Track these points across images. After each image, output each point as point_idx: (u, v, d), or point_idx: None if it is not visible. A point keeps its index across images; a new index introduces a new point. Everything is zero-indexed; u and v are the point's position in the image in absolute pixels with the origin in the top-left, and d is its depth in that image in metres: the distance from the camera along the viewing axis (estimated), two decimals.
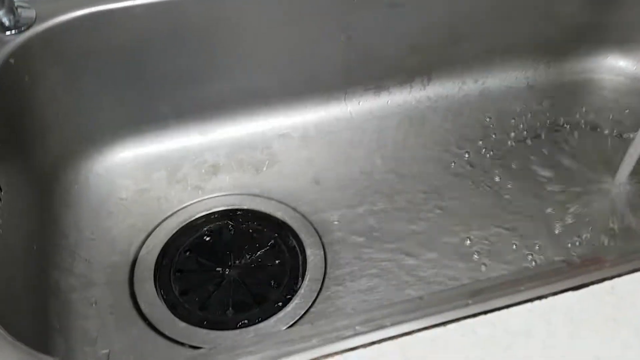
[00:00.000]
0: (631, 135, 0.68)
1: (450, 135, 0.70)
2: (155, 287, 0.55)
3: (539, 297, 0.31)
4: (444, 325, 0.29)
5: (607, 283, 0.31)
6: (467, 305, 0.32)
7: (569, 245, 0.57)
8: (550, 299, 0.31)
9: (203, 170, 0.65)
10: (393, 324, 0.31)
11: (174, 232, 0.60)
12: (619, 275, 0.32)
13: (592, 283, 0.31)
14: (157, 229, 0.60)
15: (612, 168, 0.64)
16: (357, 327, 0.31)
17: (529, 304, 0.31)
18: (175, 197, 0.63)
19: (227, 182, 0.64)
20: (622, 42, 0.75)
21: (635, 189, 0.62)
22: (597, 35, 0.75)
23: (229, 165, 0.66)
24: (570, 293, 0.31)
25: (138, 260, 0.57)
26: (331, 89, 0.71)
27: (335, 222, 0.60)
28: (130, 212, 0.61)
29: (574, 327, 0.30)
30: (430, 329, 0.29)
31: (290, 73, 0.68)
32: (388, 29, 0.68)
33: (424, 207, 0.61)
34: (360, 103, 0.72)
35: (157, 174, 0.64)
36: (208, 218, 0.61)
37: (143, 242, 0.58)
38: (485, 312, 0.30)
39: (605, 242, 0.56)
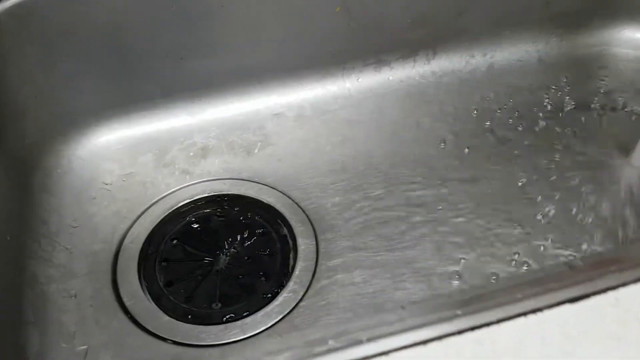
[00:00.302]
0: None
1: (455, 114, 0.65)
2: (139, 278, 0.53)
3: (534, 311, 0.27)
4: (424, 345, 0.26)
5: (610, 294, 0.28)
6: (454, 317, 0.28)
7: (579, 237, 0.53)
8: (547, 312, 0.27)
9: (192, 153, 0.62)
10: (370, 340, 0.28)
11: (160, 219, 0.57)
12: (624, 285, 0.28)
13: (595, 294, 0.28)
14: (143, 216, 0.57)
15: (628, 149, 0.59)
16: (330, 342, 0.28)
17: (522, 318, 0.27)
18: (162, 182, 0.60)
19: (217, 166, 0.61)
20: (638, 13, 0.69)
21: None
22: (612, 6, 0.69)
23: (219, 148, 0.63)
24: (568, 305, 0.27)
25: (122, 249, 0.55)
26: (328, 65, 0.66)
27: (329, 209, 0.56)
28: (114, 198, 0.58)
29: (571, 344, 0.26)
30: (410, 348, 0.26)
31: (284, 48, 0.64)
32: (390, 1, 0.63)
33: (424, 194, 0.57)
34: (360, 79, 0.68)
35: (143, 157, 0.61)
36: (196, 204, 0.58)
37: (127, 230, 0.56)
38: (473, 329, 0.27)
39: (619, 234, 0.52)
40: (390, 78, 0.68)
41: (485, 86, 0.68)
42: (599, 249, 0.52)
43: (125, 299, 0.51)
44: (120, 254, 0.54)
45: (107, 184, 0.59)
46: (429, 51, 0.68)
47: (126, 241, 0.55)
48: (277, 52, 0.63)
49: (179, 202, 0.58)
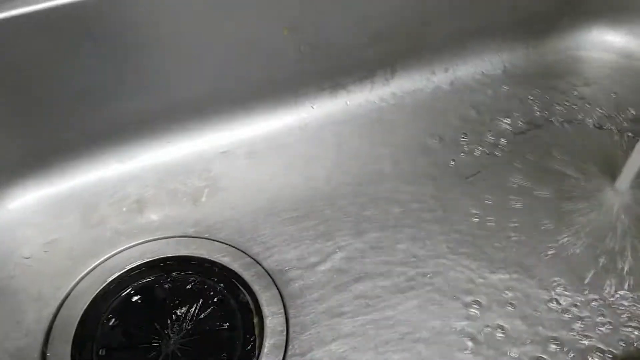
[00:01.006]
0: (623, 124, 0.59)
1: (422, 138, 0.59)
2: None
3: None
4: None
5: None
6: None
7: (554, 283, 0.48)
8: None
9: (125, 209, 0.53)
10: None
11: (92, 296, 0.47)
12: None
13: None
14: (72, 293, 0.47)
15: (610, 170, 0.55)
16: None
17: None
18: (91, 248, 0.50)
19: (157, 222, 0.52)
20: (607, 12, 0.65)
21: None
22: (579, 7, 0.64)
23: (158, 198, 0.53)
24: None
25: (50, 341, 0.45)
26: (279, 93, 0.58)
27: (296, 266, 0.49)
28: (36, 274, 0.48)
29: None
30: None
31: (226, 77, 0.55)
32: (341, 15, 0.56)
33: (400, 236, 0.51)
34: (315, 107, 0.60)
35: (68, 218, 0.51)
36: (135, 272, 0.49)
37: (55, 315, 0.46)
38: None
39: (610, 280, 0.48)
40: (348, 103, 0.61)
41: (450, 105, 0.62)
42: None
43: None
44: (49, 347, 0.44)
45: (26, 258, 0.49)
46: (387, 70, 0.62)
47: (55, 330, 0.45)
48: (218, 82, 0.55)
49: (114, 272, 0.49)
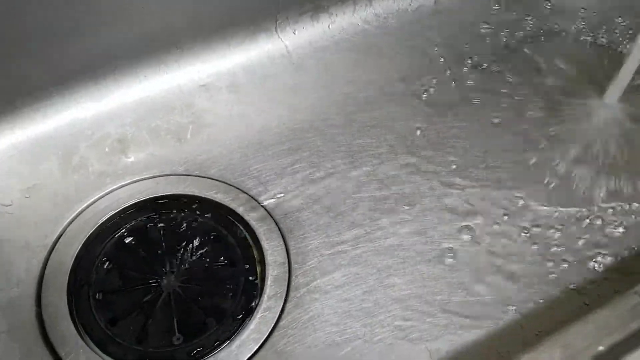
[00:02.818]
0: (602, 39, 0.59)
1: (408, 62, 0.57)
2: (74, 321, 0.42)
3: None
4: None
5: None
6: None
7: (546, 181, 0.49)
8: None
9: (107, 149, 0.50)
10: None
11: (83, 240, 0.46)
12: None
13: None
14: (61, 239, 0.46)
15: (597, 83, 0.55)
16: None
17: None
18: (75, 192, 0.48)
19: (143, 161, 0.50)
20: None
21: (628, 111, 0.53)
22: None
23: (141, 137, 0.51)
24: None
25: (43, 289, 0.43)
26: (258, 18, 0.55)
27: (292, 198, 0.48)
28: (20, 222, 0.46)
29: None
30: None
31: (202, 5, 0.52)
32: None
33: (392, 163, 0.50)
34: (296, 32, 0.57)
35: (46, 162, 0.49)
36: (125, 214, 0.47)
37: (45, 263, 0.44)
38: None
39: (587, 183, 0.48)
40: (331, 27, 0.58)
41: (435, 25, 0.60)
42: None
43: (61, 353, 0.41)
44: (43, 296, 0.43)
45: (7, 206, 0.46)
46: None
47: (47, 278, 0.44)
48: (194, 11, 0.51)
49: (104, 215, 0.47)
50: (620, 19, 0.60)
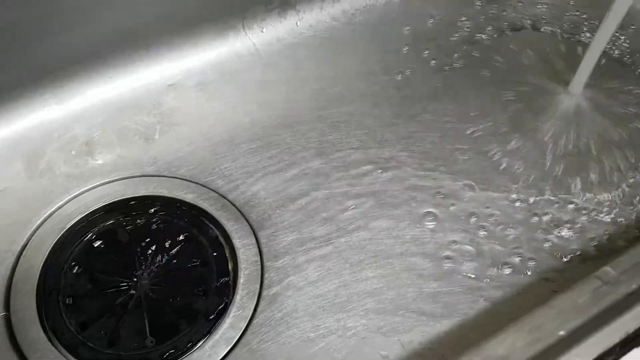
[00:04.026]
0: (566, 31, 0.60)
1: (377, 56, 0.58)
2: (43, 327, 0.42)
3: None
4: None
5: None
6: None
7: (516, 173, 0.50)
8: None
9: (73, 152, 0.49)
10: None
11: (52, 245, 0.45)
12: None
13: None
14: (29, 244, 0.45)
15: (562, 75, 0.56)
16: None
17: None
18: (43, 196, 0.47)
19: (110, 163, 0.49)
20: None
21: (592, 100, 0.54)
22: None
23: (109, 138, 0.50)
24: None
25: (12, 296, 0.42)
26: (225, 16, 0.55)
27: (263, 196, 0.48)
28: None
29: None
30: None
31: (171, 4, 0.51)
32: None
33: (362, 159, 0.50)
34: (264, 30, 0.57)
35: (12, 167, 0.48)
36: (94, 217, 0.47)
37: (14, 268, 0.44)
38: None
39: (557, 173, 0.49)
40: (299, 24, 0.58)
41: (402, 19, 0.60)
42: None
43: (31, 359, 0.40)
44: (12, 302, 0.42)
45: None
46: None
47: (16, 284, 0.43)
48: (160, 9, 0.51)
49: (72, 218, 0.46)
50: (581, 10, 0.61)
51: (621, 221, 0.46)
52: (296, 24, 0.58)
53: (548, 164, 0.50)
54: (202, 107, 0.52)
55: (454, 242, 0.46)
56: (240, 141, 0.51)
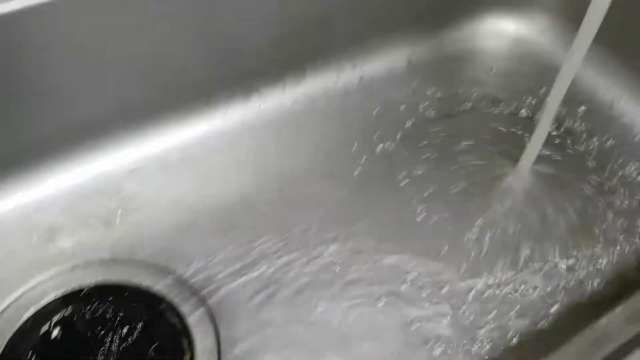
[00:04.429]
0: (522, 107, 0.63)
1: (336, 136, 0.60)
2: None
3: None
4: None
5: None
6: None
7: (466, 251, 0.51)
8: None
9: (35, 238, 0.50)
10: None
11: (9, 336, 0.45)
12: None
13: None
14: None
15: (514, 153, 0.58)
16: None
17: None
18: (1, 284, 0.47)
19: (71, 249, 0.49)
20: (498, 1, 0.68)
21: (540, 179, 0.56)
22: None
23: (70, 225, 0.51)
24: None
25: None
26: (190, 101, 0.57)
27: (222, 281, 0.48)
28: None
29: None
30: None
31: (132, 91, 0.53)
32: (245, 20, 0.55)
33: (325, 238, 0.51)
34: (228, 112, 0.59)
35: None
36: (52, 306, 0.46)
37: None
38: None
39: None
40: (262, 107, 0.61)
41: (359, 101, 0.63)
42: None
43: None
44: None
45: None
46: (297, 71, 0.62)
47: None
48: (124, 97, 0.53)
49: (29, 308, 0.46)
50: (531, 88, 0.64)
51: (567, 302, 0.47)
52: (259, 106, 0.60)
53: (497, 242, 0.52)
54: (163, 191, 0.53)
55: (417, 319, 0.46)
56: (200, 225, 0.51)
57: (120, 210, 0.52)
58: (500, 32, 0.69)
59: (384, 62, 0.66)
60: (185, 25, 0.52)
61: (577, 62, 0.46)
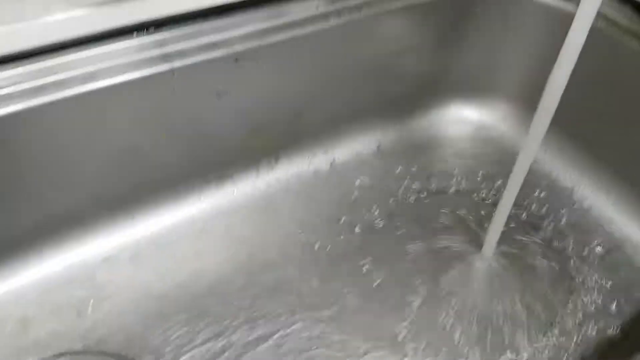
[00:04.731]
0: (484, 192, 0.65)
1: (307, 220, 0.62)
2: None
3: None
4: None
5: None
6: None
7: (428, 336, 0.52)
8: None
9: (8, 329, 0.50)
10: None
11: None
12: None
13: None
14: None
15: (477, 238, 0.60)
16: None
17: None
18: None
19: (43, 340, 0.50)
20: (461, 90, 0.72)
21: (501, 262, 0.58)
22: (437, 86, 0.71)
23: (42, 315, 0.52)
24: None
25: None
26: (163, 191, 0.59)
27: None
28: None
29: None
30: None
31: (106, 184, 0.55)
32: (218, 113, 0.58)
33: (291, 326, 0.52)
34: (202, 199, 0.61)
35: None
36: None
37: None
38: None
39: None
40: (235, 192, 0.63)
41: (330, 185, 0.65)
42: None
43: None
44: None
45: None
46: (271, 158, 0.65)
47: None
48: (98, 189, 0.55)
49: None
50: (493, 174, 0.67)
51: None
52: (233, 192, 0.63)
53: (459, 326, 0.53)
54: (134, 279, 0.55)
55: None
56: (169, 313, 0.52)
57: (92, 300, 0.53)
58: (464, 119, 0.72)
59: (354, 147, 0.69)
60: (161, 123, 0.55)
61: (534, 148, 0.48)
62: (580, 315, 0.55)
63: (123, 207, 0.57)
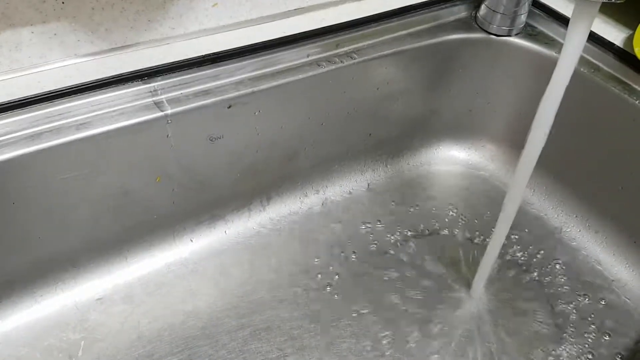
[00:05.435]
0: (474, 231, 0.66)
1: (298, 260, 0.62)
2: None
3: None
4: None
5: None
6: None
7: None
8: None
9: None
10: None
11: None
12: None
13: None
14: None
15: (466, 278, 0.61)
16: None
17: None
18: None
19: None
20: (449, 132, 0.74)
21: (489, 304, 0.59)
22: (426, 128, 0.73)
23: (34, 358, 0.52)
24: None
25: None
26: (155, 232, 0.60)
27: None
28: None
29: None
30: None
31: (100, 227, 0.56)
32: (211, 157, 0.59)
33: None
34: (194, 240, 0.62)
35: None
36: None
37: None
38: None
39: None
40: (227, 232, 0.64)
41: (322, 224, 0.66)
42: None
43: None
44: None
45: None
46: (263, 198, 0.65)
47: None
48: (92, 232, 0.55)
49: None
50: (481, 214, 0.68)
51: None
52: (225, 232, 0.64)
53: None
54: (126, 320, 0.55)
55: None
56: (160, 355, 0.53)
57: (83, 342, 0.53)
58: (453, 159, 0.74)
59: (345, 186, 0.70)
60: (154, 166, 0.56)
61: (521, 188, 0.49)
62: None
63: (116, 249, 0.58)
